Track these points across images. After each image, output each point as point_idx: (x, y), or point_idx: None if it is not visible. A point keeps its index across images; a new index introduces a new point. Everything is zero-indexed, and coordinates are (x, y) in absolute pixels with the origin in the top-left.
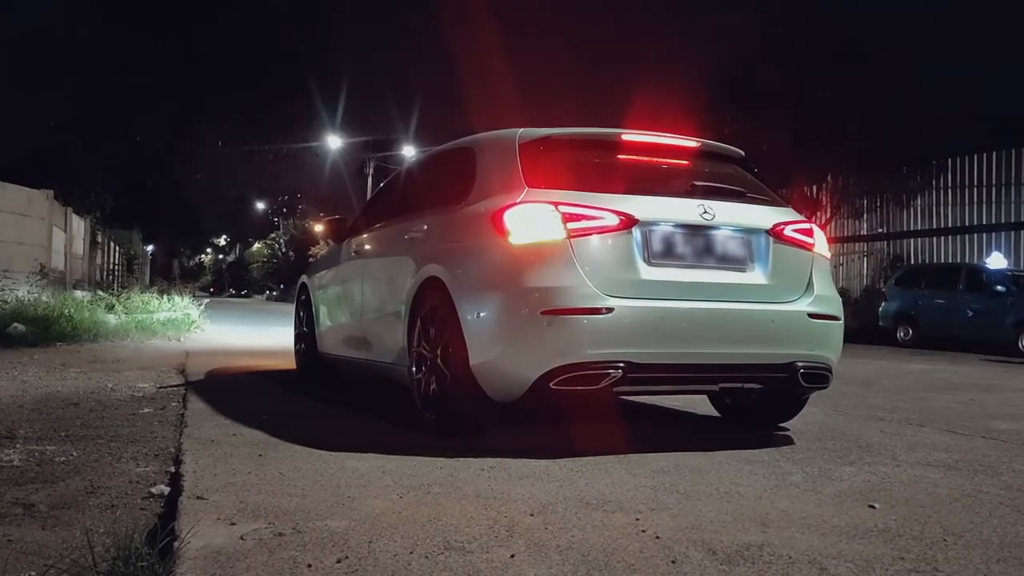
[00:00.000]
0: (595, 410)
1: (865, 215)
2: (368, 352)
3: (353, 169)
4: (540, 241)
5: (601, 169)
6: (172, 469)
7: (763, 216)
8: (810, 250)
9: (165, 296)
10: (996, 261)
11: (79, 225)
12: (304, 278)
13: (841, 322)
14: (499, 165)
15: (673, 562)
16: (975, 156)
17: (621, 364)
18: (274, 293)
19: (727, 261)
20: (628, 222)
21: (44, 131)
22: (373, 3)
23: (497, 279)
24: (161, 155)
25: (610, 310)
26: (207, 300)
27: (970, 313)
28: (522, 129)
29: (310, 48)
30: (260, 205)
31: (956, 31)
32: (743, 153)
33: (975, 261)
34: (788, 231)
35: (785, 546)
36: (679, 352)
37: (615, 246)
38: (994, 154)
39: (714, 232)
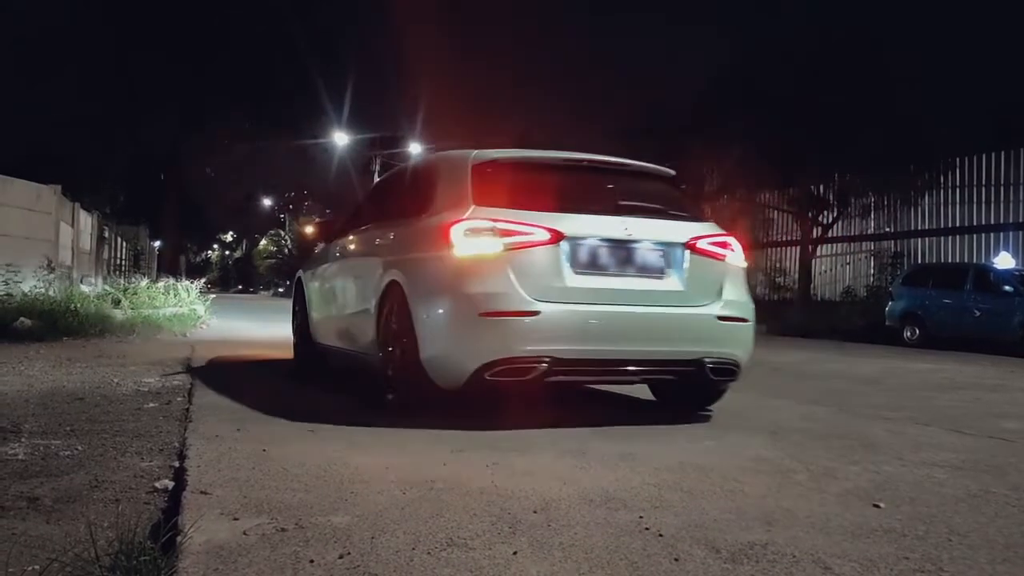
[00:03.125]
0: (584, 394)
1: (872, 214)
2: (351, 343)
3: (360, 166)
4: (479, 253)
5: (540, 188)
6: (176, 464)
7: (682, 231)
8: (723, 260)
9: (172, 292)
10: (1004, 261)
11: (86, 220)
12: (300, 274)
13: (750, 323)
14: (453, 183)
15: (676, 560)
16: (983, 155)
17: (547, 359)
18: (280, 289)
19: (646, 270)
20: (557, 237)
21: (52, 128)
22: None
23: (443, 285)
24: (168, 151)
25: (537, 313)
26: (212, 296)
27: (977, 313)
28: (476, 151)
29: (317, 45)
30: (267, 202)
31: (964, 30)
32: (673, 172)
33: (983, 261)
34: (702, 244)
35: (789, 545)
36: (599, 349)
37: (544, 257)
38: (1002, 153)
39: (635, 245)
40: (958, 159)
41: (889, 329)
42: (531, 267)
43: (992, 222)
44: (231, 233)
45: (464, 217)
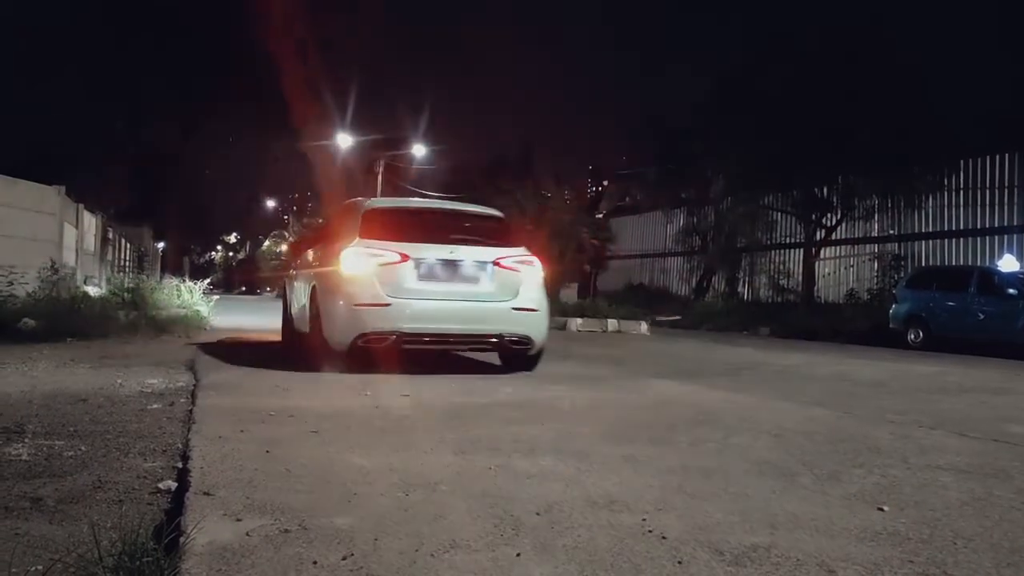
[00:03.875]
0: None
1: (876, 216)
2: (303, 327)
3: (364, 167)
4: (356, 268)
5: (402, 226)
6: (179, 465)
7: (492, 253)
8: (521, 272)
9: (175, 293)
10: (1008, 264)
11: (90, 221)
12: (285, 278)
13: (540, 312)
14: (351, 222)
15: (680, 563)
16: (987, 158)
17: (395, 333)
18: None
19: (467, 279)
20: (405, 258)
21: (56, 129)
22: (385, 2)
23: (335, 287)
24: (172, 153)
25: (389, 304)
26: (216, 297)
27: (981, 316)
28: (370, 200)
29: (322, 46)
30: (271, 203)
31: (970, 31)
32: (501, 214)
33: (987, 263)
34: (506, 262)
35: (793, 548)
36: (431, 327)
37: (398, 271)
38: (1006, 156)
39: (459, 263)
40: (962, 161)
41: (893, 332)
42: (388, 277)
43: (996, 225)
44: (235, 234)
45: (351, 245)
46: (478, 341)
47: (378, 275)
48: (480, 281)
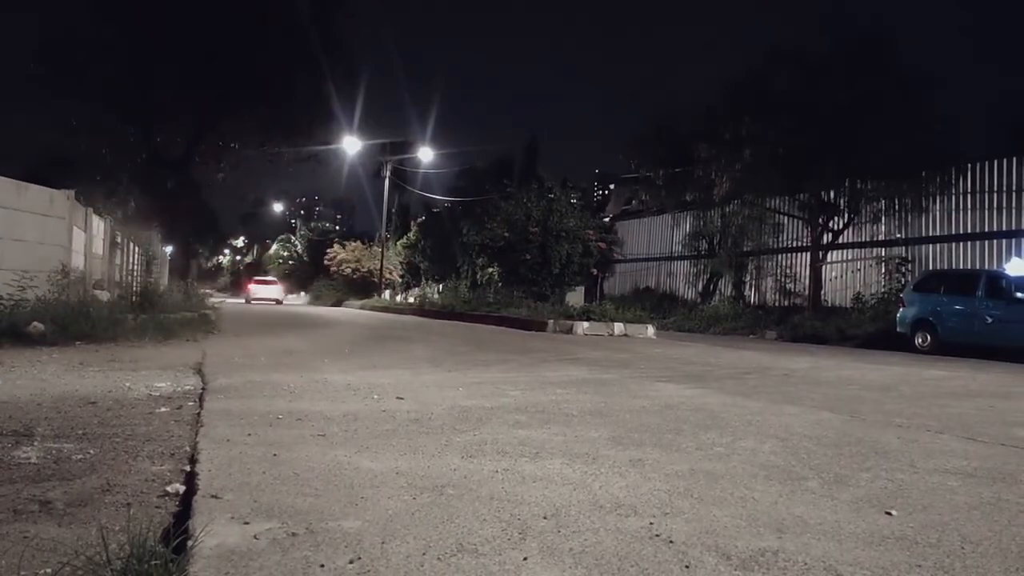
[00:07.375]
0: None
1: (883, 220)
2: (244, 299)
3: (371, 171)
4: (253, 287)
5: (260, 281)
6: (187, 468)
7: (275, 285)
8: (277, 288)
9: (184, 297)
10: (1016, 267)
11: (99, 225)
12: (244, 286)
13: (280, 296)
14: (250, 277)
15: (687, 567)
16: (995, 161)
17: (254, 299)
18: (290, 295)
19: (269, 290)
20: (258, 286)
21: (67, 133)
22: (392, 7)
23: (247, 289)
24: (181, 157)
25: (254, 294)
26: (223, 301)
27: (989, 320)
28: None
29: (330, 52)
30: (278, 207)
31: (977, 36)
32: (275, 278)
33: (995, 267)
34: (272, 285)
35: (800, 552)
36: (261, 298)
37: (256, 288)
38: (1014, 159)
39: (267, 285)
40: (970, 164)
41: (900, 336)
42: (257, 289)
43: (1004, 228)
44: (242, 238)
45: (249, 281)
46: (271, 301)
47: (255, 288)
48: (272, 291)
